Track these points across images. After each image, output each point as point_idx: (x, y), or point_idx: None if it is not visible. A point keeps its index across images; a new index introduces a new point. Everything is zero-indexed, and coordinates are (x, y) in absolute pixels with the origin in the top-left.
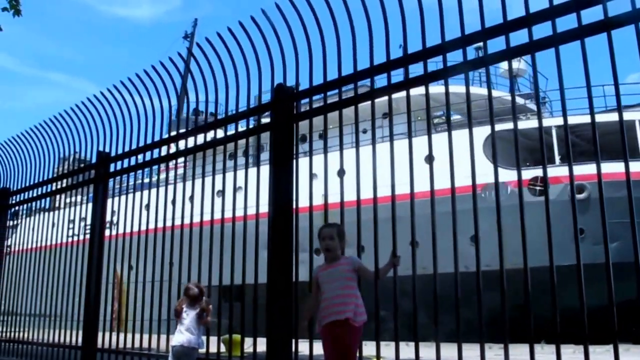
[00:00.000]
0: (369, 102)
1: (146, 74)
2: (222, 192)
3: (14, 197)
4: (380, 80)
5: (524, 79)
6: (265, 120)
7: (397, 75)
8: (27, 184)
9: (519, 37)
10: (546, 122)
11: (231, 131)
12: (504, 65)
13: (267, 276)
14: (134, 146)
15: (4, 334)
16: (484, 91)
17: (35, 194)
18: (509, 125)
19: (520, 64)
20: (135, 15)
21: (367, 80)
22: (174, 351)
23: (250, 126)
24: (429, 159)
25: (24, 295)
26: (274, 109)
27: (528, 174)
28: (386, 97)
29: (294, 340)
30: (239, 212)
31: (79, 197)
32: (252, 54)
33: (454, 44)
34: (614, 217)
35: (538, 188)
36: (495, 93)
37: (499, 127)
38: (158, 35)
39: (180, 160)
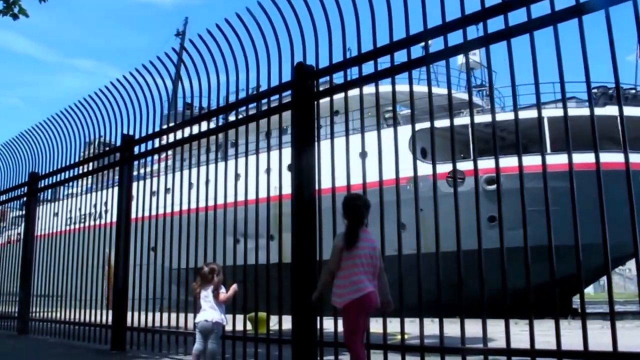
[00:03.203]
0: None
1: (167, 57)
2: (246, 174)
3: (42, 182)
4: (400, 56)
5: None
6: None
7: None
8: (54, 168)
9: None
10: (467, 120)
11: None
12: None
13: (291, 255)
14: (157, 128)
15: (37, 314)
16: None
17: (62, 178)
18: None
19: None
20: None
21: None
22: (199, 327)
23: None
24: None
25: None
26: (294, 88)
27: (448, 167)
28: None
29: (318, 318)
30: (253, 195)
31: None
32: (272, 33)
33: (476, 17)
34: (528, 206)
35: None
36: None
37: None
38: (181, 19)
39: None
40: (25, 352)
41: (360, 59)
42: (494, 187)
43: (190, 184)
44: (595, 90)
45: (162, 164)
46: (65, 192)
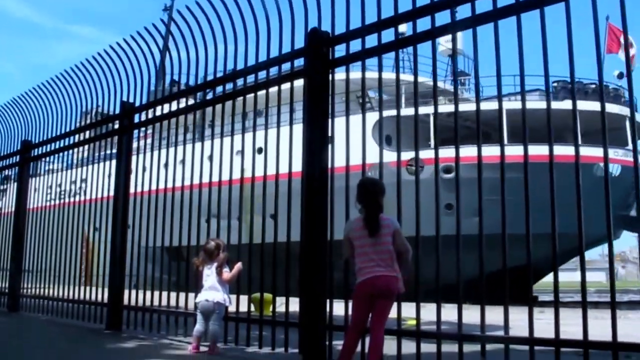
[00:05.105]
0: None
1: (172, 21)
2: (253, 147)
3: (36, 150)
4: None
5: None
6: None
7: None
8: (49, 137)
9: None
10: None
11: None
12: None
13: (300, 235)
14: (159, 96)
15: (30, 290)
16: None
17: (57, 147)
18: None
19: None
20: None
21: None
22: (200, 307)
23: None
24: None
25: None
26: (308, 55)
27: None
28: None
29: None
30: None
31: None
32: None
33: None
34: (484, 195)
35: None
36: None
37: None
38: None
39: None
40: (17, 331)
41: (379, 26)
42: (449, 175)
43: (167, 164)
44: (555, 84)
45: (156, 139)
46: (47, 167)
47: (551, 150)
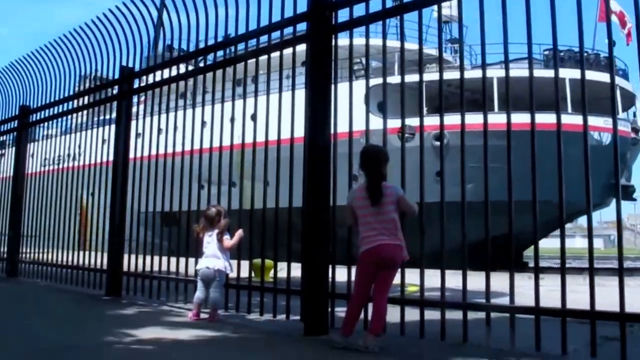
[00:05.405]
0: None
1: None
2: (255, 115)
3: (34, 115)
4: None
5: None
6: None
7: None
8: (47, 102)
9: None
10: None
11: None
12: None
13: (302, 201)
14: (159, 61)
15: (28, 256)
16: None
17: (55, 112)
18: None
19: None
20: None
21: None
22: (200, 274)
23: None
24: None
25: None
26: (310, 19)
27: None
28: None
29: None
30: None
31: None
32: None
33: None
34: (471, 162)
35: (406, 135)
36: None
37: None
38: None
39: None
40: (15, 297)
41: None
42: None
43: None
44: (546, 52)
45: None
46: (44, 133)
47: (559, 119)
